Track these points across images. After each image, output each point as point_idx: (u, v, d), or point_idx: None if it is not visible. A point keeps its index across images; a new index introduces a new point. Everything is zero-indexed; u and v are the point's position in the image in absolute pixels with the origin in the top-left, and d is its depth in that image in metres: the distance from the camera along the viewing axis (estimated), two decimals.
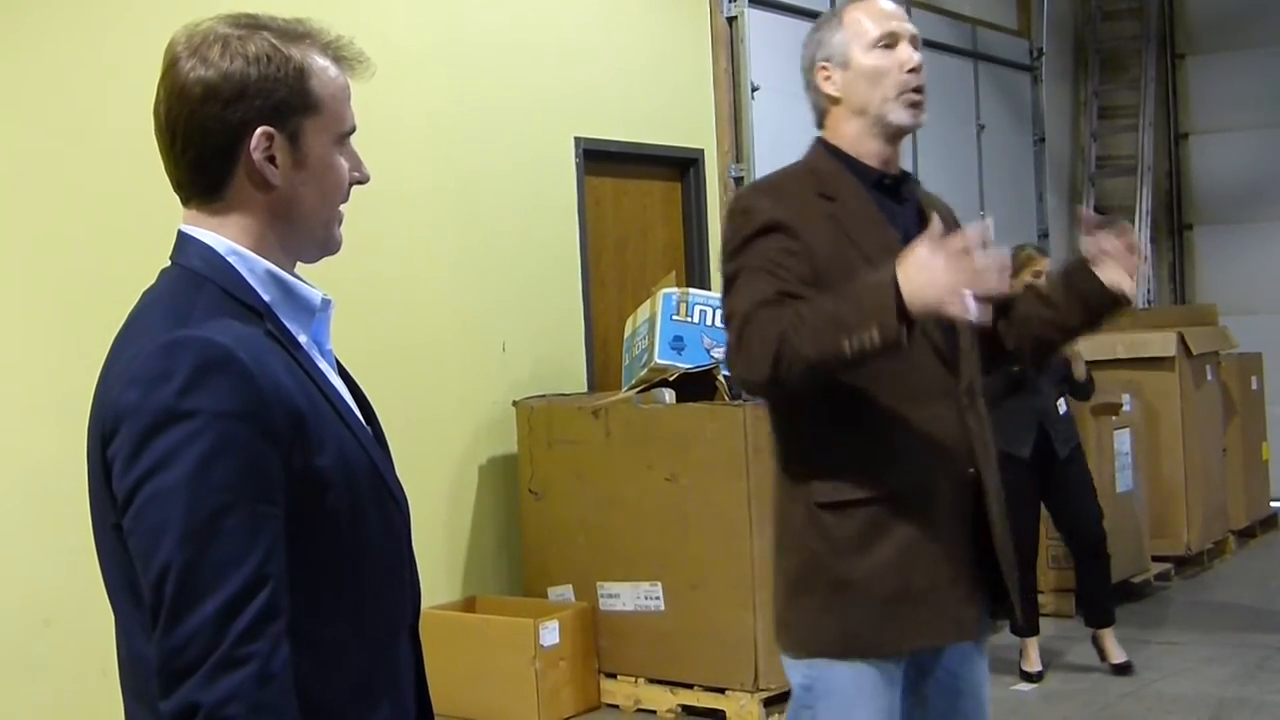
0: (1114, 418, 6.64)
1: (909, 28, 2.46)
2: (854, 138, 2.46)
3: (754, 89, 7.01)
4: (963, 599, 2.40)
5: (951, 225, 2.54)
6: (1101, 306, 2.50)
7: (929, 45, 8.14)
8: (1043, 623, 6.38)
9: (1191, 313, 8.45)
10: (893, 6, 2.49)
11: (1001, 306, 2.53)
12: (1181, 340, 7.19)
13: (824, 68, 2.48)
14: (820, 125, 2.52)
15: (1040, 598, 6.52)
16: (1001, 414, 5.40)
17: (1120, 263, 2.44)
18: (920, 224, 2.42)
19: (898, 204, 2.47)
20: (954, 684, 2.48)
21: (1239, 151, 10.15)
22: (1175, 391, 7.19)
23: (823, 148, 2.50)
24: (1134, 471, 6.79)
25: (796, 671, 2.43)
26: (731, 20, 7.04)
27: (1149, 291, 10.01)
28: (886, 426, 2.35)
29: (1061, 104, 10.30)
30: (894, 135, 2.46)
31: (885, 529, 2.34)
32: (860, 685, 2.35)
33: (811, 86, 2.51)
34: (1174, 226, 10.53)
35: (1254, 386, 8.41)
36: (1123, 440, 6.71)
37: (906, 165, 2.59)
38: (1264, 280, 9.89)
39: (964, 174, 8.83)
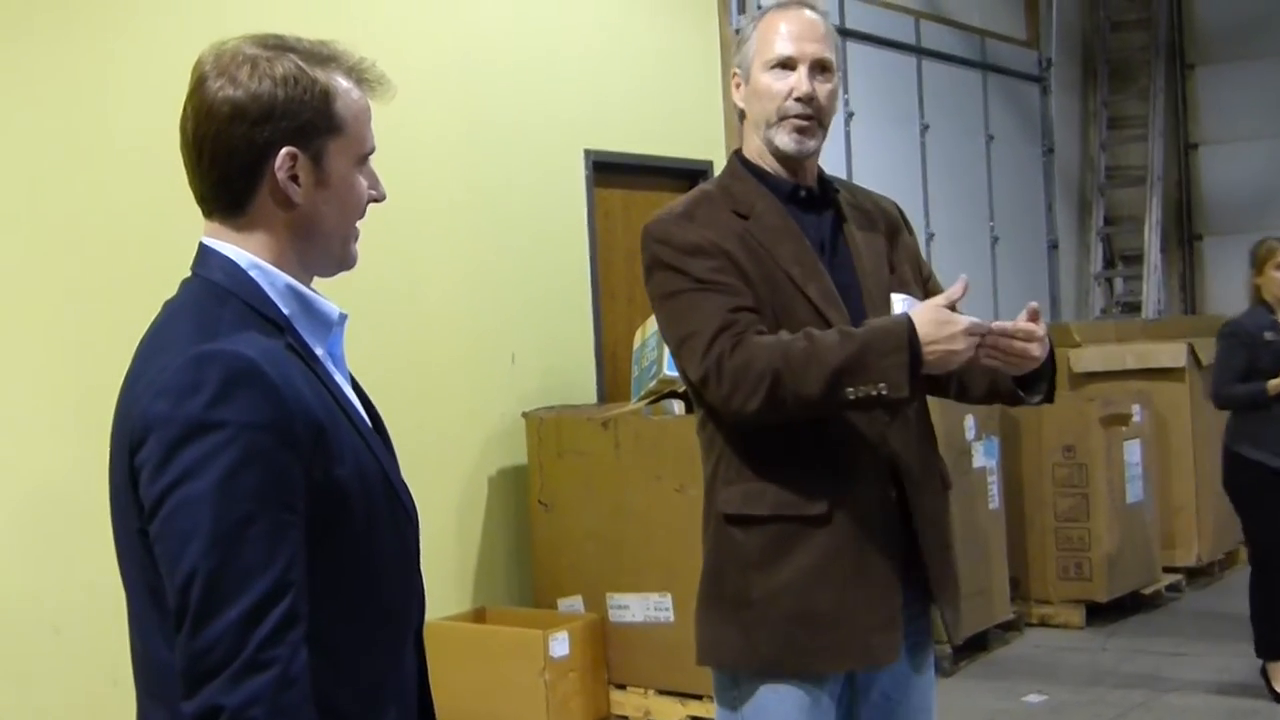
0: (1124, 428, 6.63)
1: (813, 50, 2.35)
2: (758, 153, 2.43)
3: None
4: (876, 625, 2.30)
5: (893, 224, 2.50)
6: (1014, 381, 2.33)
7: (938, 57, 8.24)
8: (1048, 633, 6.39)
9: (1201, 323, 8.43)
10: (807, 23, 2.37)
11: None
12: (1191, 351, 7.18)
13: (735, 75, 2.45)
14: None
15: (1049, 608, 6.52)
16: (1264, 424, 5.30)
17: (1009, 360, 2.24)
18: (836, 230, 2.40)
19: (814, 214, 2.41)
20: (888, 707, 2.41)
21: (1249, 161, 10.14)
22: (1185, 402, 7.17)
23: (738, 162, 2.45)
24: (1144, 482, 6.78)
25: (723, 698, 2.38)
26: (740, 32, 7.03)
27: (1159, 301, 10.01)
28: (800, 444, 2.29)
29: (1070, 114, 10.30)
30: (784, 158, 2.39)
31: (789, 549, 2.28)
32: (786, 710, 2.30)
33: (729, 91, 2.49)
34: (1184, 237, 10.52)
35: None
36: (1133, 451, 6.70)
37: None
38: None
39: (973, 185, 8.83)
